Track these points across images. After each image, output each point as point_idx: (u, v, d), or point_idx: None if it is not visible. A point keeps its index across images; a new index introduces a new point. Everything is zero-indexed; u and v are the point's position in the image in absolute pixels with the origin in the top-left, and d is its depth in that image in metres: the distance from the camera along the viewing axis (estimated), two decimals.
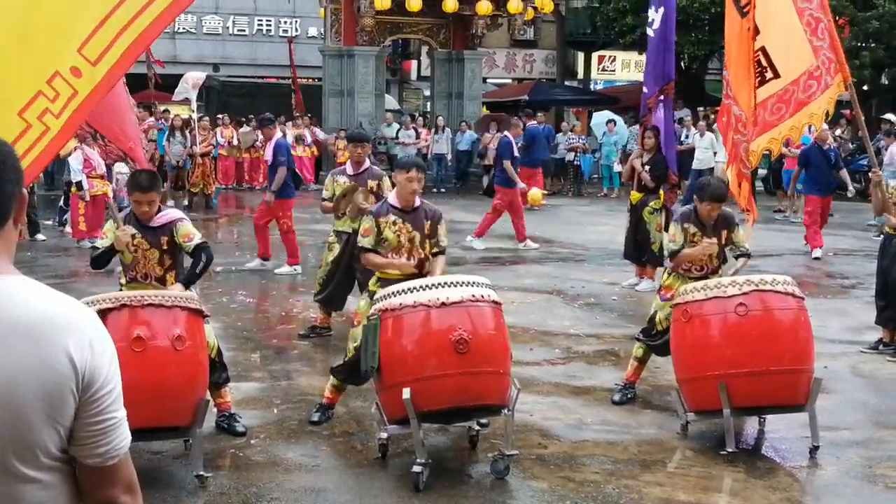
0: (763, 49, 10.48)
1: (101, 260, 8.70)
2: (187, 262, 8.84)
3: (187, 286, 8.45)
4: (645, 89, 15.56)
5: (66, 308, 2.72)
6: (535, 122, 30.33)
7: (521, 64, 52.93)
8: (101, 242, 8.66)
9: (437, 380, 7.57)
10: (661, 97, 15.18)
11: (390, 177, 9.50)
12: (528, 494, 7.66)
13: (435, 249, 8.81)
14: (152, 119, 28.86)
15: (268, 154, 17.59)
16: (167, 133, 28.38)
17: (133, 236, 8.50)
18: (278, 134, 18.18)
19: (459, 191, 33.24)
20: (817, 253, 19.89)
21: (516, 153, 21.25)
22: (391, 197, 8.95)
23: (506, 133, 22.14)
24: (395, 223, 8.64)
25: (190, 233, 8.64)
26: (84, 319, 2.73)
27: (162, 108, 30.65)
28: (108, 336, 2.81)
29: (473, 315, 7.70)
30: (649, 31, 15.19)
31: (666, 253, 9.94)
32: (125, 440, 2.80)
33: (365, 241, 8.72)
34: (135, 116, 8.97)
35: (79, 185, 19.93)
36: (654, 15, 14.97)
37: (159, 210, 8.70)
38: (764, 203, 28.73)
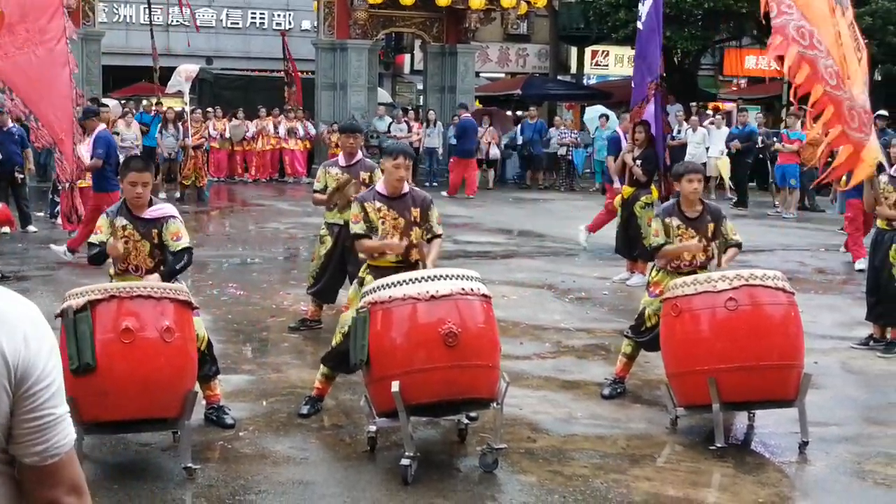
0: None
1: (98, 258, 8.68)
2: None
3: (165, 278, 8.43)
4: (633, 83, 15.59)
5: None
6: (467, 115, 31.93)
7: (514, 58, 52.90)
8: (97, 238, 8.63)
9: (425, 373, 7.55)
10: (653, 91, 15.16)
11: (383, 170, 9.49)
12: (516, 488, 7.65)
13: (428, 236, 8.82)
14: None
15: (88, 147, 17.41)
16: (159, 125, 28.38)
17: (124, 227, 8.50)
18: (100, 127, 17.97)
19: None
20: (860, 265, 17.02)
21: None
22: (379, 184, 8.97)
23: (616, 129, 21.31)
24: (379, 210, 8.66)
25: (179, 232, 8.63)
26: (17, 312, 2.61)
27: (154, 100, 30.63)
28: (48, 329, 2.68)
29: (463, 308, 7.68)
30: (639, 25, 15.23)
31: (651, 246, 9.92)
32: (67, 438, 2.68)
33: (357, 228, 8.73)
34: (73, 111, 8.98)
35: None
36: (643, 8, 15.03)
37: (152, 203, 8.69)
38: (756, 199, 28.84)
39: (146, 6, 33.24)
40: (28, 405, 2.58)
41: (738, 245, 9.72)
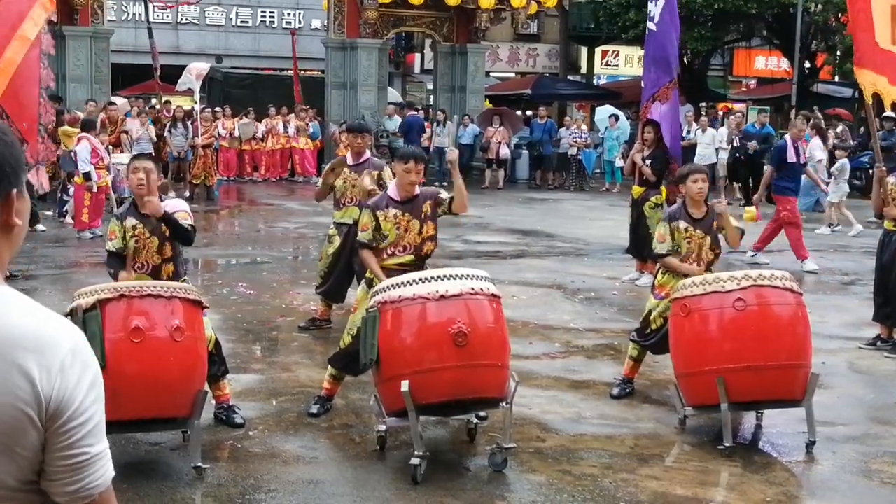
0: None
1: (116, 264, 8.72)
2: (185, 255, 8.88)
3: (164, 219, 8.45)
4: (643, 83, 15.57)
5: (38, 326, 2.43)
6: (414, 112, 32.84)
7: (524, 58, 52.96)
8: (113, 245, 8.66)
9: (435, 372, 7.57)
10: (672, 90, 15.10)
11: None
12: (525, 487, 7.68)
13: (447, 201, 8.88)
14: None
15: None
16: (168, 124, 28.41)
17: (134, 227, 8.54)
18: None
19: None
20: None
21: (792, 158, 18.35)
22: (391, 188, 8.98)
23: (785, 136, 20.32)
24: (395, 216, 8.67)
25: (186, 215, 8.66)
26: (60, 339, 2.42)
27: (164, 99, 30.67)
28: (91, 359, 2.49)
29: (472, 308, 7.70)
30: (650, 25, 15.18)
31: (655, 253, 9.94)
32: (101, 478, 2.49)
33: (363, 236, 8.77)
34: (38, 92, 8.91)
35: (87, 175, 19.83)
36: (654, 9, 14.97)
37: (161, 200, 8.72)
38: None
39: (154, 4, 33.32)
40: (61, 442, 2.41)
41: (742, 232, 9.78)
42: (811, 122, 27.21)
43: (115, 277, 8.63)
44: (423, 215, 8.76)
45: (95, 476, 2.47)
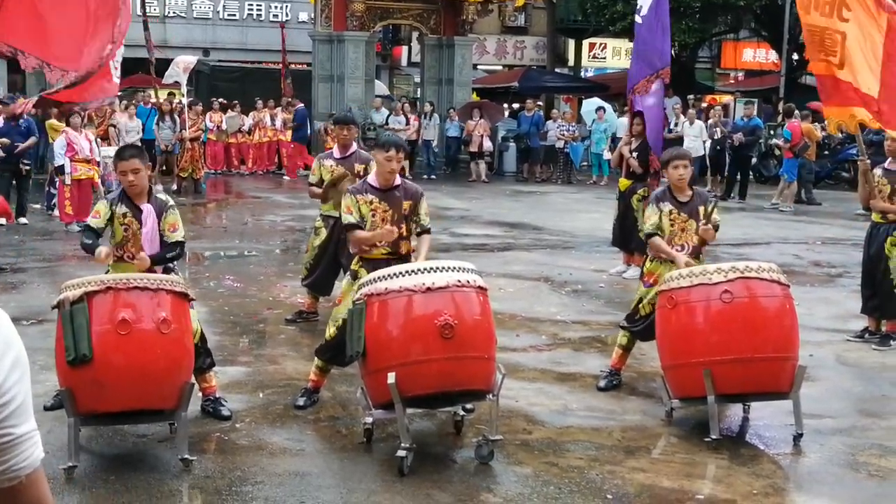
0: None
1: (89, 247, 8.67)
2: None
3: (154, 264, 8.46)
4: (629, 75, 15.58)
5: None
6: (301, 105, 34.03)
7: (511, 51, 52.92)
8: (95, 222, 8.66)
9: (422, 365, 7.56)
10: (657, 81, 15.05)
11: None
12: (511, 479, 7.67)
13: (418, 230, 8.81)
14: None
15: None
16: (156, 117, 28.36)
17: (124, 214, 8.55)
18: None
19: (449, 177, 33.23)
20: None
21: None
22: (370, 176, 8.96)
23: None
24: (370, 202, 8.65)
25: (176, 224, 8.68)
26: None
27: (151, 91, 30.52)
28: (13, 339, 2.33)
29: (459, 300, 7.70)
30: (637, 18, 15.17)
31: (643, 233, 9.96)
32: (28, 460, 2.36)
33: (350, 218, 8.70)
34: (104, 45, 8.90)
35: (60, 169, 19.99)
36: (642, 1, 14.94)
37: (152, 192, 8.73)
38: (754, 192, 28.87)
39: None
40: None
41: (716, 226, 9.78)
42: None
43: (90, 249, 8.58)
44: (401, 209, 8.73)
45: (21, 457, 2.36)
